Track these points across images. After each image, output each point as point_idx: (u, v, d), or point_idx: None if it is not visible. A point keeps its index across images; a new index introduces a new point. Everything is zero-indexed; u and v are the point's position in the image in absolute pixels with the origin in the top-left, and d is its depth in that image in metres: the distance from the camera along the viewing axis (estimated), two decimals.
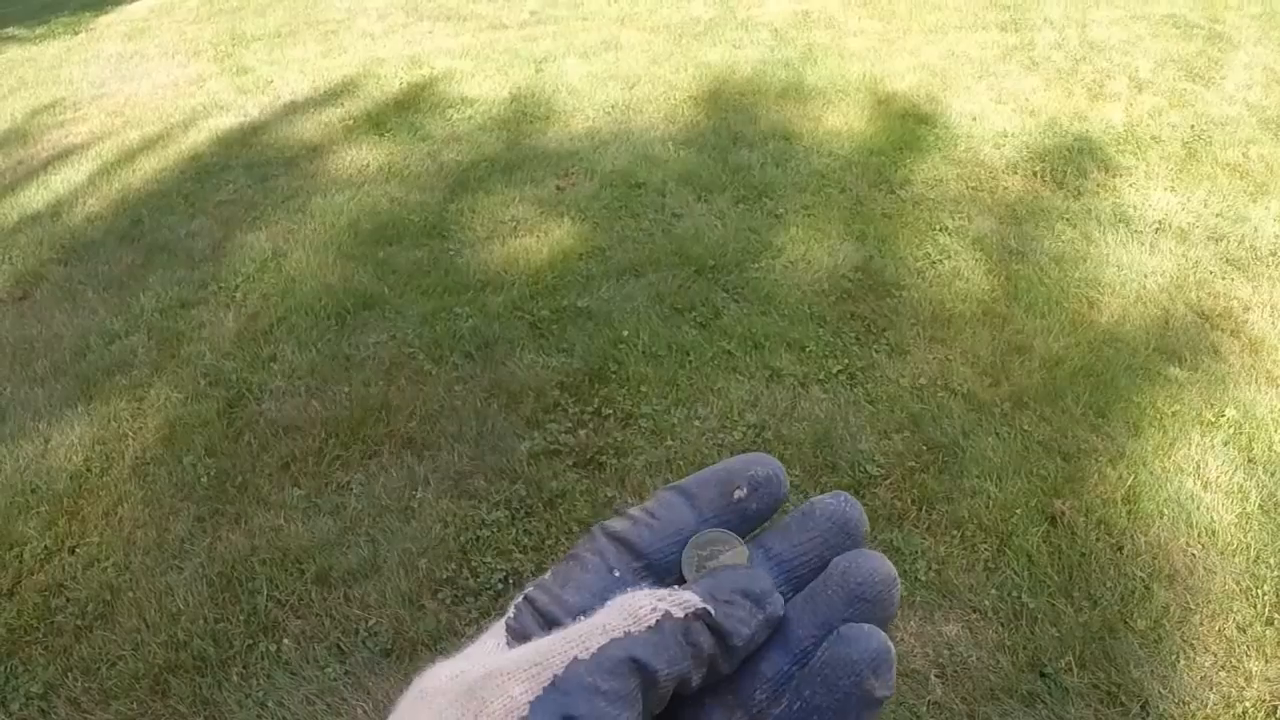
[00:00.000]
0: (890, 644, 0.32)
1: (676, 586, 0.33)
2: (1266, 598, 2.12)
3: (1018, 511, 2.35)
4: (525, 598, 0.34)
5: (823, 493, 0.36)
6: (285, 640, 2.12)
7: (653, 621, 0.31)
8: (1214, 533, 2.29)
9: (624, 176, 4.03)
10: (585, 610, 0.32)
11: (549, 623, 0.33)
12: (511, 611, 0.34)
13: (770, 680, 0.32)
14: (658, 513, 0.35)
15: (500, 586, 2.20)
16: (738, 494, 0.35)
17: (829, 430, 2.61)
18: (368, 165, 4.36)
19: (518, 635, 0.33)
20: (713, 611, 0.32)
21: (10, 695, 2.03)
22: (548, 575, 0.34)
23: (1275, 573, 2.18)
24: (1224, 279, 3.27)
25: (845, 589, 0.33)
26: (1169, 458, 2.52)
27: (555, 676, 0.29)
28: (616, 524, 0.35)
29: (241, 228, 3.89)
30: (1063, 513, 2.33)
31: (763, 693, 0.32)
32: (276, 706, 1.98)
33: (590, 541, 0.35)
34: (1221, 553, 2.24)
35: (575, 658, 0.30)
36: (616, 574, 0.33)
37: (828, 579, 0.33)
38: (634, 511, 0.35)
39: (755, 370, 2.86)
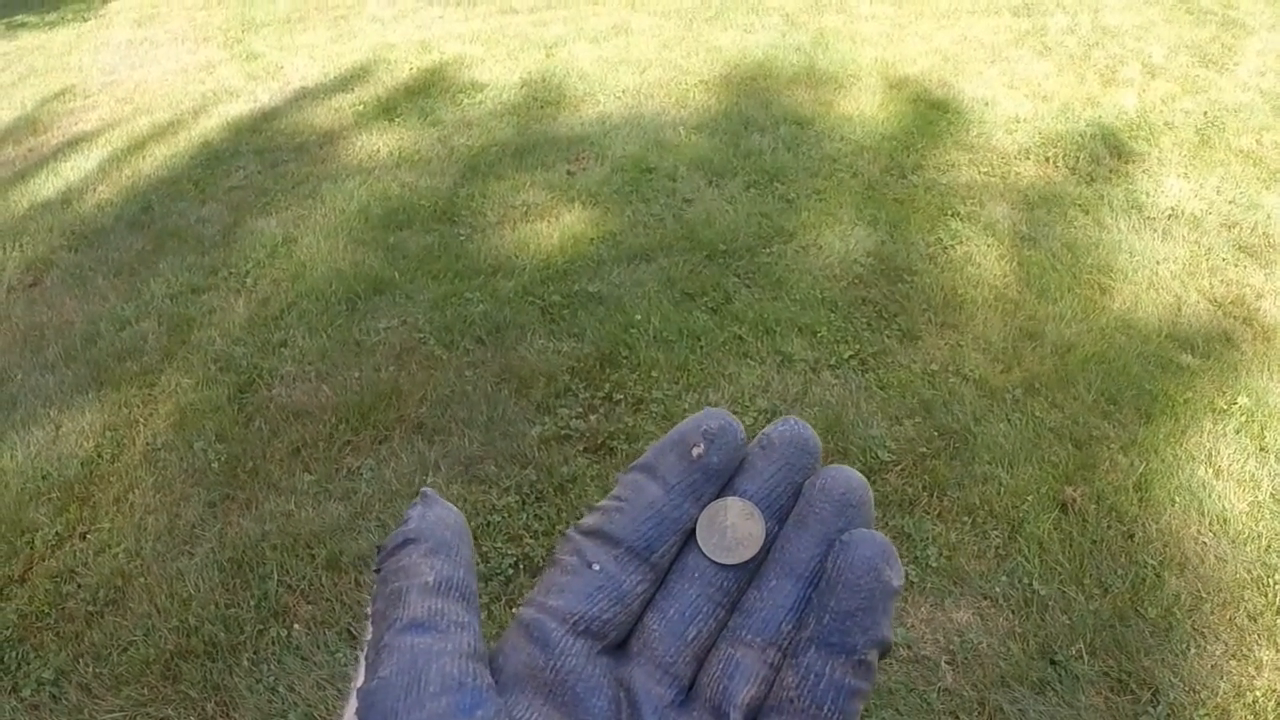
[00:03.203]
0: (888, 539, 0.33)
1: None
2: (1278, 586, 2.11)
3: (1029, 498, 2.34)
4: (517, 621, 0.34)
5: None
6: (296, 625, 2.13)
7: None
8: (1225, 521, 2.28)
9: (635, 161, 4.02)
10: (572, 612, 0.33)
11: (541, 637, 0.33)
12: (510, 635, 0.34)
13: (791, 609, 0.33)
14: (624, 496, 0.35)
15: (510, 572, 2.20)
16: (696, 451, 0.35)
17: (840, 416, 2.60)
18: (378, 151, 4.36)
19: (510, 659, 0.33)
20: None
21: (22, 681, 2.04)
22: (534, 589, 0.34)
23: None
24: (1237, 266, 3.25)
25: (831, 501, 0.34)
26: (1180, 445, 2.50)
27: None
28: (588, 520, 0.35)
29: (252, 213, 3.90)
30: (1074, 500, 2.33)
31: (788, 623, 0.33)
32: (287, 691, 1.99)
33: (565, 544, 0.35)
34: (1233, 541, 2.23)
35: None
36: (596, 567, 0.34)
37: (810, 499, 0.34)
38: (603, 503, 0.35)
39: (766, 355, 2.85)
